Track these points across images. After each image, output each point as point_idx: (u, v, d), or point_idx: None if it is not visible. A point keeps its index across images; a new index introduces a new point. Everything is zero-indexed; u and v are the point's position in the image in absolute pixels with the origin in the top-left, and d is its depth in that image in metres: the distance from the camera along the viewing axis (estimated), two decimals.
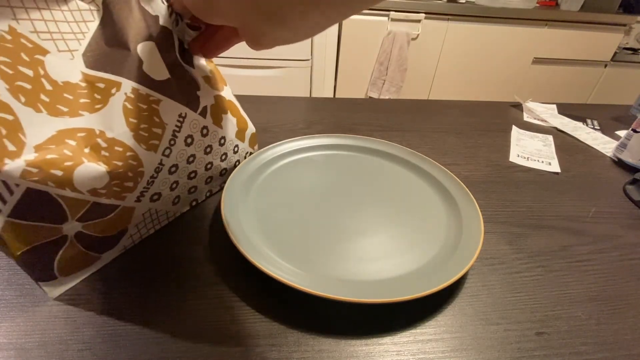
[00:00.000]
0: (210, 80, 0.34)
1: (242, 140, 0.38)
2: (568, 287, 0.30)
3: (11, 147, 0.20)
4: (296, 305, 0.26)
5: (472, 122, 0.61)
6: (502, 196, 0.41)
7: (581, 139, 0.58)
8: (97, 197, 0.25)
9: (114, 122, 0.25)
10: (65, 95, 0.23)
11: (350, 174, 0.41)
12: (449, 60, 1.77)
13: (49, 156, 0.22)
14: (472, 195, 0.36)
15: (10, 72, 0.21)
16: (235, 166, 0.39)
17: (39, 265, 0.24)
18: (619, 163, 0.51)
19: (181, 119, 0.30)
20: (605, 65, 1.89)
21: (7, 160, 0.20)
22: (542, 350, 0.24)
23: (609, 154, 0.53)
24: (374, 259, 0.29)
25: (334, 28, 1.58)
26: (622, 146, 0.51)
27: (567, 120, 0.64)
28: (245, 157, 0.40)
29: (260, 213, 0.34)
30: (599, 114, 0.69)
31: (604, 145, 0.56)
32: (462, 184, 0.38)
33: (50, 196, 0.23)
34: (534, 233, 0.36)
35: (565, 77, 1.90)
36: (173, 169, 0.30)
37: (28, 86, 0.21)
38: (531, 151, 0.52)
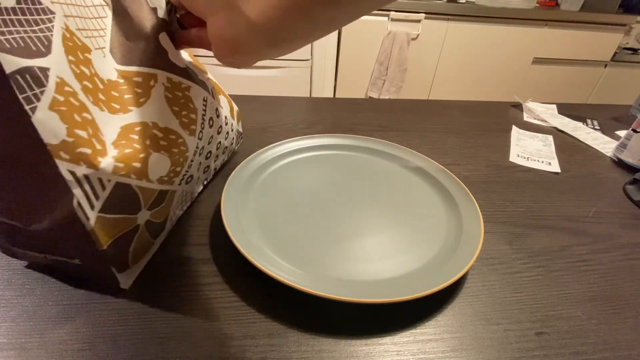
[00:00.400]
0: (197, 66, 0.35)
1: (233, 117, 0.40)
2: (568, 287, 0.30)
3: (98, 146, 0.21)
4: (296, 305, 0.26)
5: (472, 122, 0.61)
6: (502, 196, 0.41)
7: (581, 139, 0.58)
8: (162, 185, 0.27)
9: (161, 112, 0.27)
10: (113, 92, 0.24)
11: (350, 174, 0.41)
12: (449, 60, 1.77)
13: (127, 151, 0.23)
14: (472, 195, 0.36)
15: (78, 71, 0.21)
16: (231, 144, 0.40)
17: (119, 256, 0.25)
18: (619, 163, 0.51)
19: (205, 103, 0.32)
20: (605, 65, 1.89)
21: (100, 159, 0.21)
22: (542, 350, 0.24)
23: (609, 154, 0.53)
24: (374, 259, 0.29)
25: None
26: (622, 146, 0.51)
27: (567, 120, 0.64)
28: (236, 135, 0.42)
29: (260, 213, 0.34)
30: (599, 114, 0.69)
31: (604, 145, 0.56)
32: (462, 184, 0.38)
33: (131, 189, 0.24)
34: (534, 233, 0.36)
35: (565, 77, 1.90)
36: (202, 151, 0.32)
37: (90, 85, 0.22)
38: (531, 151, 0.52)
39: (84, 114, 0.21)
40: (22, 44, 0.18)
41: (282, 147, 0.43)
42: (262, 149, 0.42)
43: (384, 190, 0.38)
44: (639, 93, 0.73)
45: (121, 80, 0.25)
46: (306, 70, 1.65)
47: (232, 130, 0.40)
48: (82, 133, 0.20)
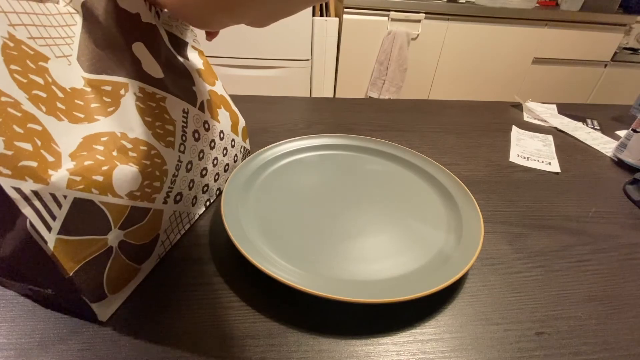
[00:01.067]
0: (202, 74, 0.34)
1: (237, 133, 0.39)
2: (568, 287, 0.30)
3: (50, 158, 0.20)
4: (296, 305, 0.26)
5: (472, 122, 0.61)
6: (502, 196, 0.41)
7: (581, 139, 0.58)
8: (134, 201, 0.24)
9: (131, 122, 0.25)
10: (76, 101, 0.23)
11: (350, 174, 0.41)
12: (449, 60, 1.77)
13: (86, 162, 0.21)
14: (472, 195, 0.36)
15: (24, 80, 0.20)
16: (234, 161, 0.39)
17: (91, 283, 0.23)
18: (619, 163, 0.51)
19: (185, 115, 0.30)
20: (605, 65, 1.89)
21: (51, 172, 0.19)
22: (542, 350, 0.24)
23: (609, 154, 0.53)
24: (374, 259, 0.29)
25: (334, 28, 1.58)
26: (622, 146, 0.51)
27: (567, 120, 0.64)
28: (240, 151, 0.40)
29: (260, 213, 0.34)
30: (599, 114, 0.69)
31: (604, 145, 0.56)
32: (462, 184, 0.38)
33: (95, 205, 0.22)
34: (534, 233, 0.36)
35: (565, 77, 1.90)
36: (189, 166, 0.30)
37: (43, 94, 0.21)
38: (531, 151, 0.52)
39: (30, 125, 0.19)
40: None
41: (282, 147, 0.43)
42: (262, 149, 0.42)
43: (384, 190, 0.38)
44: (639, 93, 0.73)
45: (88, 89, 0.24)
46: (306, 70, 1.65)
47: (233, 146, 0.38)
48: (26, 145, 0.19)
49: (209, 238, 0.32)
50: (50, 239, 0.20)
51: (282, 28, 1.51)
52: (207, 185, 0.34)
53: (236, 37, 1.51)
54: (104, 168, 0.22)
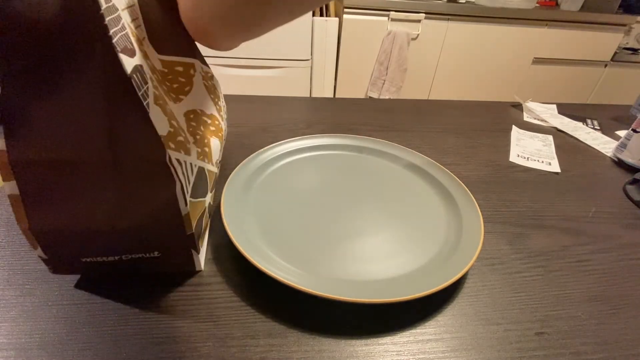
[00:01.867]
0: None
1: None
2: (568, 287, 0.30)
3: (182, 134, 0.22)
4: (296, 305, 0.26)
5: (472, 122, 0.61)
6: (502, 196, 0.41)
7: (581, 139, 0.58)
8: (217, 168, 0.29)
9: (204, 100, 0.28)
10: (166, 83, 0.25)
11: (350, 174, 0.41)
12: (449, 60, 1.77)
13: (197, 137, 0.25)
14: (472, 195, 0.36)
15: (150, 64, 0.22)
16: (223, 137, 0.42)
17: (195, 240, 0.25)
18: (619, 163, 0.51)
19: (220, 91, 0.34)
20: (605, 65, 1.89)
21: (188, 145, 0.23)
22: (542, 350, 0.24)
23: (609, 154, 0.53)
24: (374, 259, 0.29)
25: (334, 28, 1.58)
26: (622, 146, 0.51)
27: (567, 120, 0.64)
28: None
29: (260, 213, 0.34)
30: (599, 114, 0.69)
31: (604, 145, 0.56)
32: (462, 184, 0.38)
33: (204, 173, 0.25)
34: (534, 233, 0.36)
35: (565, 77, 1.90)
36: (224, 139, 0.34)
37: (156, 77, 0.22)
38: (531, 151, 0.52)
39: (166, 106, 0.22)
40: (123, 44, 0.18)
41: (282, 147, 0.43)
42: (262, 149, 0.42)
43: (384, 190, 0.38)
44: (639, 93, 0.73)
45: (166, 70, 0.25)
46: (306, 70, 1.65)
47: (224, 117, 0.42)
48: (174, 122, 0.22)
49: (209, 238, 0.32)
50: (188, 201, 0.22)
51: (282, 28, 1.51)
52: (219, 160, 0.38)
53: None
54: (205, 141, 0.26)
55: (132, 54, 0.19)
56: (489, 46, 1.74)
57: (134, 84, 0.18)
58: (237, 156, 0.45)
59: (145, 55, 0.21)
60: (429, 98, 1.88)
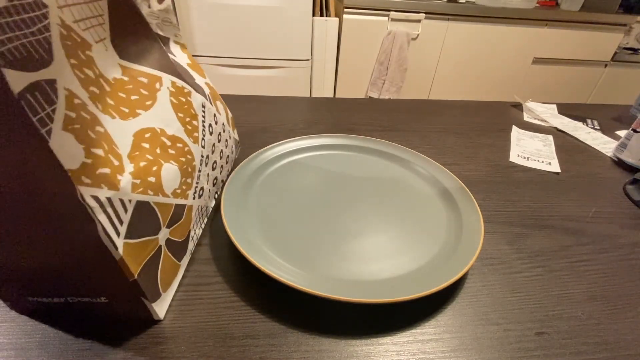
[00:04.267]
0: (192, 67, 0.33)
1: (229, 125, 0.39)
2: (568, 287, 0.30)
3: (115, 162, 0.19)
4: (296, 305, 0.26)
5: (472, 122, 0.61)
6: (502, 196, 0.41)
7: (581, 139, 0.58)
8: (176, 199, 0.24)
9: (168, 118, 0.24)
10: (119, 94, 0.21)
11: (350, 174, 0.41)
12: (449, 60, 1.77)
13: (141, 164, 0.21)
14: (472, 195, 0.36)
15: (82, 76, 0.18)
16: (231, 152, 0.39)
17: (150, 284, 0.22)
18: (619, 163, 0.51)
19: (203, 109, 0.30)
20: (605, 65, 1.89)
21: (119, 177, 0.19)
22: (542, 350, 0.24)
23: (609, 154, 0.53)
24: (374, 259, 0.29)
25: (334, 28, 1.58)
26: (622, 146, 0.51)
27: (567, 120, 0.64)
28: (235, 143, 0.40)
29: (260, 213, 0.34)
30: (599, 114, 0.69)
31: (604, 145, 0.56)
32: (462, 184, 0.38)
33: (150, 206, 0.21)
34: (534, 233, 0.36)
35: (565, 77, 1.90)
36: (207, 161, 0.30)
37: (97, 90, 0.19)
38: (531, 151, 0.52)
39: (97, 128, 0.18)
40: (24, 53, 0.15)
41: (282, 147, 0.43)
42: (262, 149, 0.42)
43: (383, 190, 0.38)
44: (639, 93, 0.73)
45: (126, 78, 0.22)
46: (306, 70, 1.65)
47: (230, 137, 0.38)
48: (99, 151, 0.18)
49: (209, 238, 0.32)
50: (119, 243, 0.19)
51: (282, 28, 1.51)
52: (216, 178, 0.34)
53: (236, 37, 1.51)
54: (154, 168, 0.22)
55: (38, 65, 0.15)
56: (489, 46, 1.74)
57: (26, 106, 0.14)
58: (237, 156, 0.45)
59: (79, 65, 0.18)
60: (429, 98, 1.88)
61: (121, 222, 0.19)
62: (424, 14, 1.61)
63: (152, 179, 0.21)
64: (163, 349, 0.23)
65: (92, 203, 0.17)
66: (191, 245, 0.29)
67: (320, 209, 0.35)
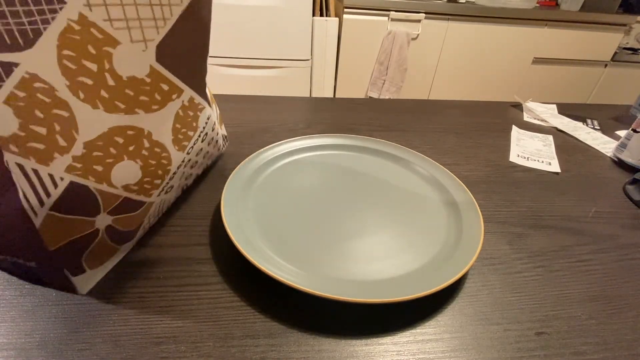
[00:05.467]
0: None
1: (218, 122, 0.39)
2: (568, 287, 0.30)
3: (62, 143, 0.20)
4: (296, 305, 0.26)
5: (472, 122, 0.61)
6: (502, 196, 0.41)
7: (581, 139, 0.58)
8: (129, 193, 0.25)
9: (163, 125, 0.25)
10: (126, 91, 0.22)
11: (350, 174, 0.41)
12: (449, 60, 1.77)
13: (94, 153, 0.22)
14: (472, 195, 0.36)
15: (74, 67, 0.20)
16: (218, 150, 0.39)
17: (72, 259, 0.24)
18: (619, 163, 0.51)
19: (207, 121, 0.31)
20: (605, 65, 1.89)
21: (56, 154, 0.20)
22: (542, 350, 0.24)
23: (609, 154, 0.53)
24: (374, 259, 0.29)
25: (334, 28, 1.58)
26: (622, 146, 0.51)
27: (567, 120, 0.64)
28: (222, 139, 0.39)
29: (260, 213, 0.34)
30: (599, 114, 0.69)
31: (604, 145, 0.56)
32: (462, 184, 0.38)
33: (88, 190, 0.22)
34: (534, 233, 0.36)
35: (565, 77, 1.90)
36: (188, 163, 0.31)
37: (90, 82, 0.21)
38: (531, 151, 0.52)
39: (56, 111, 0.20)
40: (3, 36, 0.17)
41: (282, 147, 0.43)
42: (262, 149, 0.42)
43: (384, 190, 0.38)
44: (639, 93, 0.73)
45: (147, 80, 0.23)
46: (306, 70, 1.65)
47: (218, 134, 0.38)
48: (40, 129, 0.20)
49: (209, 238, 0.32)
50: (41, 213, 0.20)
51: (282, 28, 1.51)
52: (190, 174, 0.34)
53: (236, 37, 1.51)
54: (109, 160, 0.23)
55: (5, 49, 0.17)
56: (489, 46, 1.74)
57: None
58: (237, 156, 0.45)
59: (77, 57, 0.20)
60: (429, 98, 1.88)
61: (48, 195, 0.20)
62: (424, 14, 1.61)
63: (98, 168, 0.22)
64: (163, 349, 0.23)
65: (14, 170, 0.19)
66: (140, 234, 0.30)
67: (320, 208, 0.35)
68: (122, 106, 0.23)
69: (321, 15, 1.58)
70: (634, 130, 0.49)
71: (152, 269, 0.28)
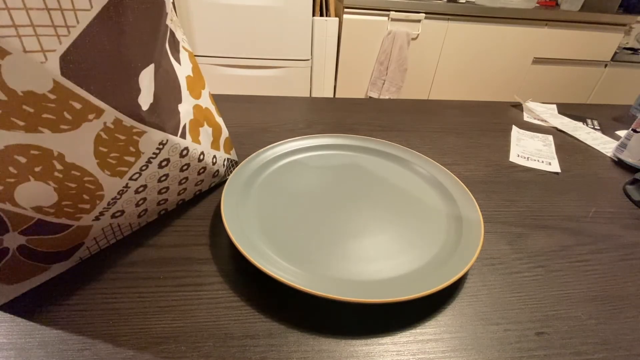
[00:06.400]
0: (190, 82, 0.31)
1: (218, 148, 0.36)
2: (568, 287, 0.30)
3: None
4: (296, 305, 0.26)
5: (472, 122, 0.61)
6: (502, 196, 0.41)
7: (581, 139, 0.58)
8: (44, 215, 0.23)
9: (78, 148, 0.22)
10: (24, 107, 0.20)
11: (350, 174, 0.41)
12: (449, 60, 1.77)
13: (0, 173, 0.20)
14: (472, 195, 0.36)
15: None
16: (213, 176, 0.37)
17: None
18: (619, 163, 0.51)
19: (161, 146, 0.27)
20: (605, 65, 1.89)
21: None
22: (542, 350, 0.24)
23: (609, 154, 0.53)
24: (374, 259, 0.29)
25: (334, 28, 1.58)
26: (622, 146, 0.51)
27: (567, 120, 0.64)
28: (224, 165, 0.38)
29: (260, 213, 0.34)
30: (599, 114, 0.69)
31: (604, 145, 0.56)
32: (462, 184, 0.38)
33: None
34: (534, 233, 0.36)
35: (565, 77, 1.90)
36: (141, 189, 0.28)
37: None
38: (531, 151, 0.52)
39: None
40: None
41: (282, 147, 0.43)
42: (262, 149, 0.42)
43: (383, 190, 0.38)
44: (639, 93, 0.73)
45: (51, 96, 0.20)
46: (306, 70, 1.65)
47: (215, 162, 0.36)
48: None
49: (209, 238, 0.32)
50: None
51: (282, 28, 1.51)
52: (165, 199, 0.33)
53: (236, 37, 1.51)
54: (10, 180, 0.21)
55: None
56: (489, 46, 1.74)
57: None
58: (237, 156, 0.45)
59: None
60: (429, 98, 1.88)
61: None
62: (424, 14, 1.61)
63: None
64: (163, 349, 0.23)
65: None
66: (84, 254, 0.28)
67: (320, 208, 0.35)
68: (21, 123, 0.20)
69: (321, 15, 1.58)
70: (634, 130, 0.49)
71: (152, 269, 0.28)
